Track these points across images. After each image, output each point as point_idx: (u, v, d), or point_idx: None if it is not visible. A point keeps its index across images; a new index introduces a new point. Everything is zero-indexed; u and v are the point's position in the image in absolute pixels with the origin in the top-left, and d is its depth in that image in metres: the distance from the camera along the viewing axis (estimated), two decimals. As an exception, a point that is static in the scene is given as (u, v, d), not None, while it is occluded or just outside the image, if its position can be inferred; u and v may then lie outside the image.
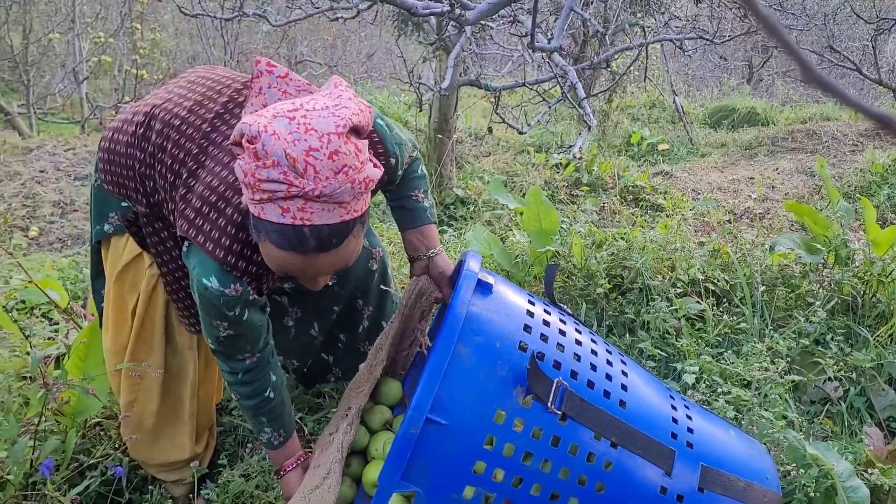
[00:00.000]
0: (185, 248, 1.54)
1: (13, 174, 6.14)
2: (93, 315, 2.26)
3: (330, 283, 2.08)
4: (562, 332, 1.52)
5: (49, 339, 2.54)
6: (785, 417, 2.08)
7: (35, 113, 10.91)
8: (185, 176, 1.53)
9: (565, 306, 1.85)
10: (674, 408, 1.58)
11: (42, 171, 6.20)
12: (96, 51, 11.15)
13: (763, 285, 2.71)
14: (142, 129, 1.64)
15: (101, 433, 2.24)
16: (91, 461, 2.03)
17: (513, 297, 1.55)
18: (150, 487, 2.08)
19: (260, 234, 1.34)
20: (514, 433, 1.35)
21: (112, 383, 2.02)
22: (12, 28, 10.64)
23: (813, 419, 2.25)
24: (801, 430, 2.09)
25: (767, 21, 0.35)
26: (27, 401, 2.19)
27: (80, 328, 2.47)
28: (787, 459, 1.86)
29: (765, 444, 1.97)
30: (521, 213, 3.01)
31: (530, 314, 1.51)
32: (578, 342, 1.53)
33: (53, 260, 4.13)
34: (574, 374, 1.44)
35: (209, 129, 1.56)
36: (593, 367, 1.48)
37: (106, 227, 1.79)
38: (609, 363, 1.54)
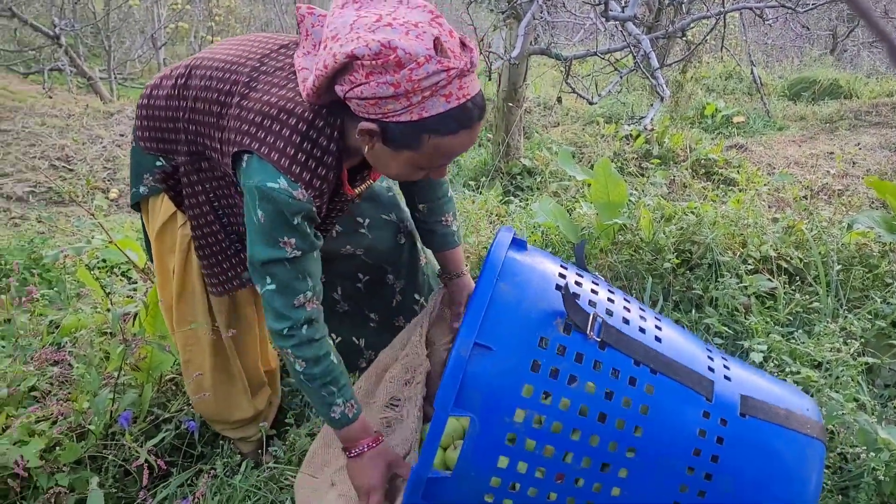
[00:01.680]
0: (243, 165, 1.51)
1: (95, 137, 6.38)
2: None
3: (351, 250, 2.06)
4: (595, 283, 1.58)
5: (128, 297, 2.66)
6: (856, 400, 2.02)
7: (115, 78, 11.25)
8: (236, 100, 1.54)
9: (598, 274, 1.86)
10: (709, 352, 1.60)
11: (122, 135, 6.43)
12: (174, 17, 11.41)
13: (839, 264, 2.61)
14: (182, 80, 1.67)
15: (175, 388, 2.34)
16: (166, 415, 2.13)
17: (545, 257, 1.63)
18: (220, 442, 2.17)
19: (417, 137, 1.38)
20: (557, 357, 1.39)
21: (172, 341, 2.10)
22: (94, -5, 10.95)
23: (886, 403, 2.18)
24: (872, 414, 2.02)
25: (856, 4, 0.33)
26: (107, 355, 2.30)
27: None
28: (857, 442, 1.81)
29: (833, 426, 1.92)
30: (589, 185, 2.97)
31: (563, 268, 1.58)
32: (611, 292, 1.59)
33: (132, 221, 4.29)
34: (609, 313, 1.48)
35: (257, 64, 1.58)
36: (626, 310, 1.52)
37: (141, 188, 1.84)
38: (642, 311, 1.58)
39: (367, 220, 2.05)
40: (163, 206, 1.85)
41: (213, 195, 1.77)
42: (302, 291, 1.56)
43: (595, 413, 1.39)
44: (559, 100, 4.32)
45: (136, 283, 2.93)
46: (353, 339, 2.24)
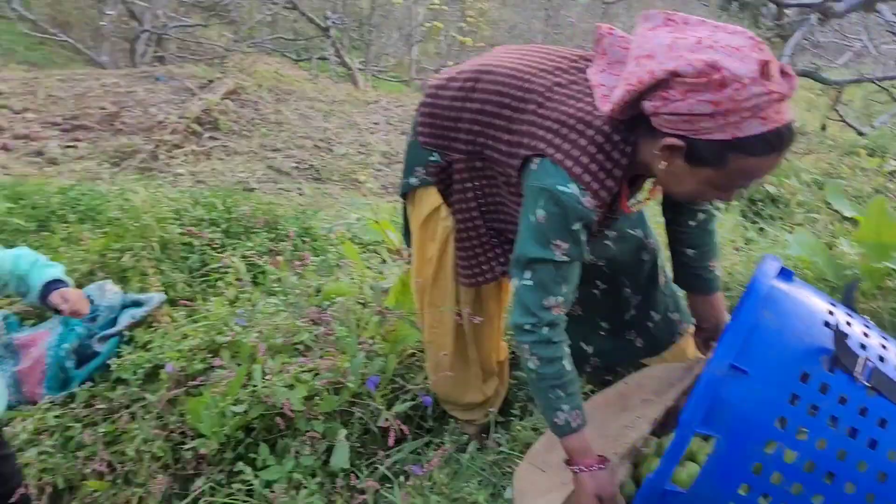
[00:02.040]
0: (533, 168, 1.60)
1: (353, 123, 6.99)
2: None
3: (593, 258, 2.07)
4: (866, 326, 1.49)
5: (379, 273, 2.91)
6: None
7: (371, 70, 12.17)
8: (532, 108, 1.63)
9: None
10: None
11: (376, 124, 7.00)
12: (430, 17, 12.12)
13: None
14: (471, 84, 1.79)
15: (414, 363, 2.53)
16: (408, 387, 2.31)
17: (812, 291, 1.57)
18: (450, 419, 2.31)
19: (724, 156, 1.42)
20: (819, 395, 1.33)
21: (418, 320, 2.27)
22: (364, -8, 11.90)
23: None
24: None
25: None
26: (357, 322, 2.54)
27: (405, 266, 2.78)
28: None
29: None
30: (847, 221, 2.77)
31: (832, 305, 1.51)
32: (884, 338, 1.49)
33: (379, 204, 4.66)
34: (882, 359, 1.39)
35: (552, 76, 1.67)
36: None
37: (412, 180, 1.98)
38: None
39: (613, 232, 2.08)
40: (430, 199, 1.98)
41: (481, 192, 1.89)
42: (555, 295, 1.62)
43: (854, 460, 1.33)
44: (823, 128, 4.02)
45: (385, 261, 3.19)
46: (582, 343, 2.28)
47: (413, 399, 2.32)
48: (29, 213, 3.31)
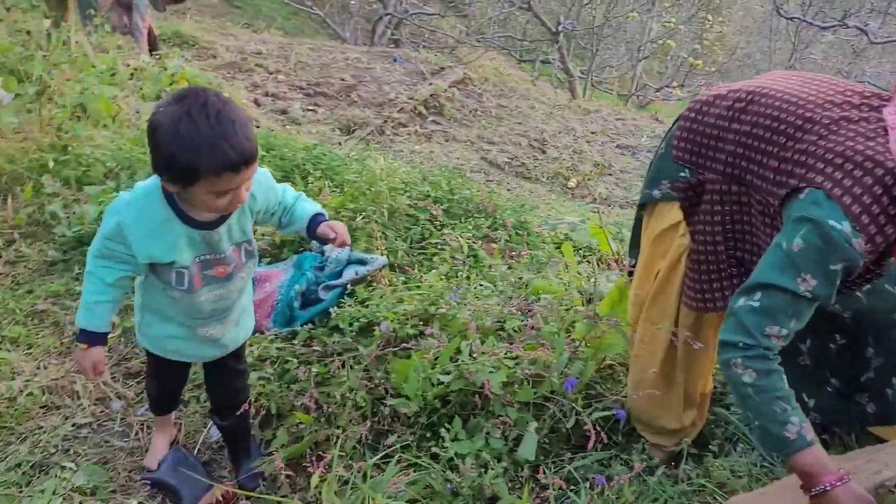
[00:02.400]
0: (801, 197, 1.53)
1: (570, 129, 7.00)
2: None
3: (838, 309, 1.91)
4: None
5: (588, 278, 2.90)
6: None
7: (591, 80, 12.10)
8: (811, 138, 1.56)
9: None
10: None
11: (593, 133, 6.96)
12: (663, 34, 11.83)
13: None
14: (740, 104, 1.73)
15: (610, 375, 2.50)
16: (603, 396, 2.29)
17: None
18: (641, 438, 2.26)
19: None
20: None
21: (629, 332, 2.23)
22: (598, 4, 11.85)
23: None
24: None
25: None
26: (562, 323, 2.55)
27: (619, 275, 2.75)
28: None
29: None
30: None
31: None
32: None
33: (588, 211, 4.64)
34: None
35: (838, 109, 1.58)
36: None
37: (655, 192, 1.95)
38: None
39: (868, 286, 1.93)
40: (670, 214, 1.95)
41: (730, 218, 1.82)
42: (780, 326, 1.53)
43: None
44: None
45: (590, 266, 3.17)
46: (804, 395, 2.13)
47: (605, 409, 2.30)
48: (277, 163, 3.64)
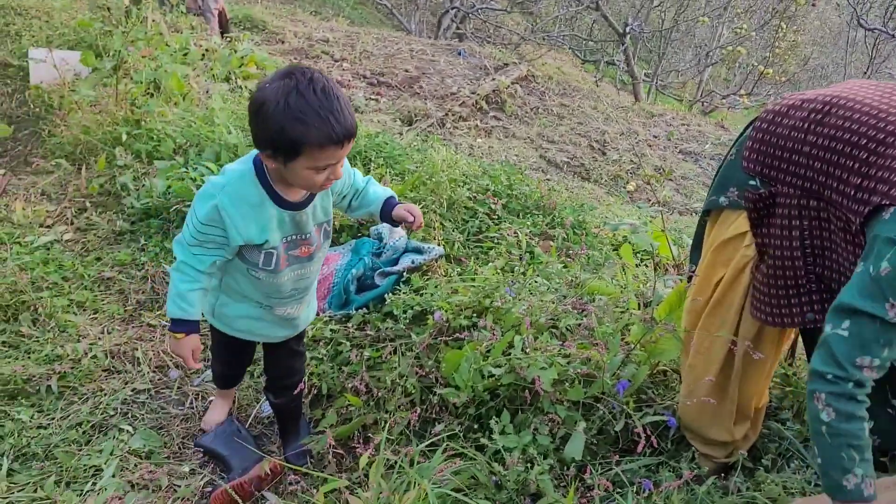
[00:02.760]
0: (885, 217, 1.47)
1: (632, 132, 6.91)
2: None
3: None
4: None
5: (645, 282, 2.86)
6: None
7: (656, 83, 11.90)
8: (893, 154, 1.50)
9: None
10: None
11: (655, 137, 6.85)
12: (733, 40, 11.57)
13: None
14: (816, 115, 1.66)
15: (663, 381, 2.47)
16: (654, 401, 2.26)
17: None
18: (691, 447, 2.23)
19: None
20: None
21: (685, 340, 2.18)
22: (668, 7, 11.65)
23: None
24: None
25: None
26: (617, 325, 2.53)
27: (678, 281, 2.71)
28: None
29: None
30: None
31: None
32: None
33: (648, 216, 4.57)
34: None
35: None
36: None
37: (721, 199, 1.89)
38: None
39: None
40: (736, 222, 1.89)
41: (808, 233, 1.75)
42: (872, 356, 1.47)
43: None
44: None
45: (648, 269, 3.13)
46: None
47: (655, 415, 2.27)
48: (340, 149, 3.69)
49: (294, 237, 1.80)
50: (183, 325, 1.78)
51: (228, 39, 5.77)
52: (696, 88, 12.30)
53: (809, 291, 1.81)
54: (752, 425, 2.25)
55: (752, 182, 1.82)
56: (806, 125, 1.70)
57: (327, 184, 1.65)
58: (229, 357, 2.17)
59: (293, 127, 1.50)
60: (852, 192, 1.56)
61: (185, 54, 4.80)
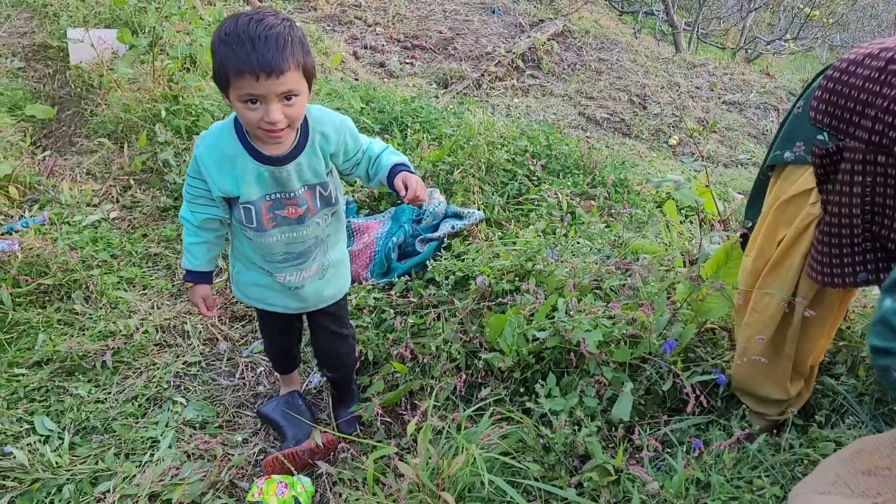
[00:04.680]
0: None
1: (673, 84, 6.72)
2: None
3: None
4: None
5: (690, 239, 2.81)
6: None
7: (697, 32, 11.52)
8: None
9: None
10: None
11: (697, 88, 6.65)
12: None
13: None
14: (894, 66, 1.58)
15: (710, 339, 2.43)
16: (703, 360, 2.23)
17: None
18: (741, 405, 2.20)
19: None
20: None
21: (738, 297, 2.13)
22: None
23: None
24: None
25: None
26: (662, 284, 2.48)
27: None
28: None
29: None
30: None
31: None
32: None
33: (692, 170, 4.47)
34: None
35: None
36: None
37: (787, 154, 1.81)
38: None
39: None
40: (801, 179, 1.81)
41: (870, 190, 1.67)
42: None
43: None
44: None
45: (693, 226, 3.07)
46: None
47: (703, 373, 2.24)
48: (376, 115, 3.67)
49: (277, 195, 1.77)
50: (191, 276, 1.89)
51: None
52: (738, 35, 11.88)
53: (864, 251, 1.75)
54: (806, 382, 2.21)
55: (819, 136, 1.73)
56: (882, 77, 1.59)
57: (264, 126, 1.57)
58: (266, 331, 2.20)
59: (218, 49, 1.50)
60: None
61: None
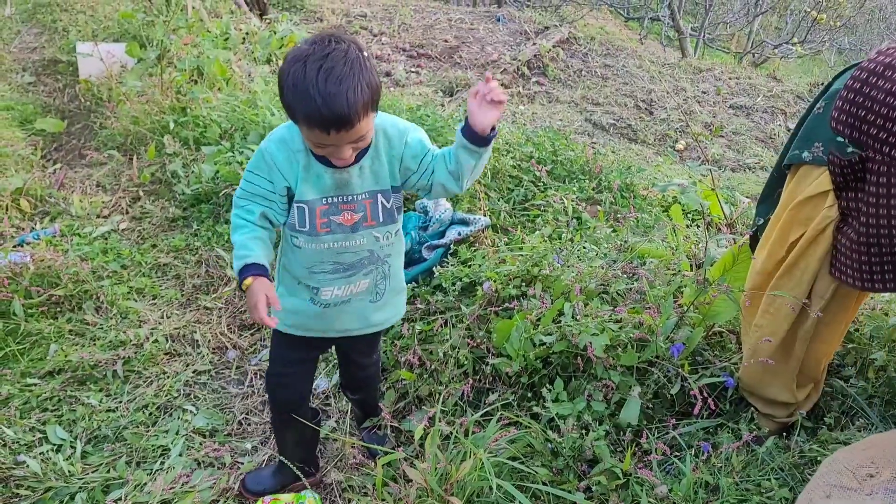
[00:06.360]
0: None
1: (680, 89, 6.72)
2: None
3: None
4: None
5: (697, 241, 2.80)
6: None
7: (703, 37, 11.51)
8: None
9: None
10: None
11: (704, 93, 6.65)
12: (784, -13, 11.09)
13: None
14: None
15: (718, 342, 2.42)
16: (710, 363, 2.23)
17: None
18: (750, 408, 2.19)
19: None
20: None
21: (745, 299, 2.12)
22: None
23: None
24: None
25: None
26: (668, 283, 2.48)
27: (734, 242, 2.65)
28: None
29: None
30: None
31: None
32: None
33: (698, 174, 4.46)
34: None
35: None
36: None
37: (805, 154, 1.79)
38: None
39: None
40: (818, 180, 1.80)
41: None
42: None
43: None
44: None
45: (699, 230, 3.07)
46: None
47: (711, 376, 2.23)
48: (382, 124, 3.68)
49: (335, 199, 1.70)
50: (250, 270, 1.64)
51: (268, 21, 5.80)
52: (745, 39, 11.88)
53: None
54: (815, 384, 2.20)
55: (839, 139, 1.71)
56: None
57: (336, 161, 1.59)
58: (281, 354, 1.96)
59: (287, 95, 1.47)
60: None
61: (226, 39, 4.85)
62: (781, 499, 1.80)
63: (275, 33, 5.24)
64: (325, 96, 1.43)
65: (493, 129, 1.67)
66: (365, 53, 1.52)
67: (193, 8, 4.85)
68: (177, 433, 2.22)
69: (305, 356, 1.97)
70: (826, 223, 1.79)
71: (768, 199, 2.04)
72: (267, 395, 2.16)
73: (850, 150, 1.68)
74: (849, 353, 2.33)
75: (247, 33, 5.11)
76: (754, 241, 2.15)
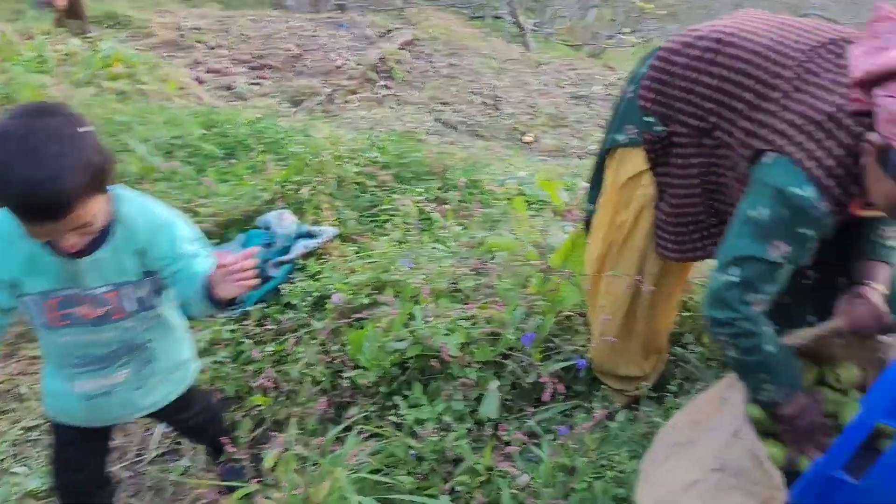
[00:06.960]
0: (765, 161, 1.50)
1: (522, 84, 6.92)
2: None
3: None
4: None
5: (543, 231, 2.86)
6: None
7: (544, 32, 11.96)
8: (777, 95, 1.52)
9: None
10: None
11: (545, 86, 6.89)
12: (611, -21, 11.71)
13: None
14: (709, 54, 1.65)
15: (568, 325, 2.48)
16: (562, 348, 2.27)
17: None
18: (601, 385, 2.25)
19: None
20: None
21: (587, 283, 2.19)
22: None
23: None
24: None
25: None
26: (518, 278, 2.52)
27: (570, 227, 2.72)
28: None
29: None
30: None
31: None
32: None
33: (544, 165, 4.60)
34: None
35: (804, 59, 1.52)
36: None
37: (620, 137, 1.87)
38: None
39: None
40: (633, 161, 1.88)
41: (706, 171, 1.75)
42: (761, 293, 1.53)
43: None
44: None
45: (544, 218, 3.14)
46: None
47: (566, 360, 2.28)
48: (219, 140, 3.54)
49: (69, 292, 1.46)
50: None
51: (89, 40, 5.44)
52: (581, 33, 12.44)
53: (710, 226, 1.84)
54: (658, 355, 2.30)
55: (647, 118, 1.80)
56: (700, 64, 1.68)
57: (59, 248, 1.37)
58: (60, 458, 1.71)
59: None
60: (738, 136, 1.58)
61: (42, 62, 4.50)
62: (633, 470, 1.86)
63: (97, 52, 4.92)
64: (25, 182, 1.21)
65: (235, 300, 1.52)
66: (85, 129, 1.32)
67: (1, 31, 4.47)
68: (5, 501, 2.00)
69: (79, 447, 1.70)
70: (643, 202, 1.88)
71: (596, 184, 2.11)
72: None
73: (658, 127, 1.77)
74: (685, 321, 2.44)
75: (66, 54, 4.77)
76: (589, 226, 2.22)
